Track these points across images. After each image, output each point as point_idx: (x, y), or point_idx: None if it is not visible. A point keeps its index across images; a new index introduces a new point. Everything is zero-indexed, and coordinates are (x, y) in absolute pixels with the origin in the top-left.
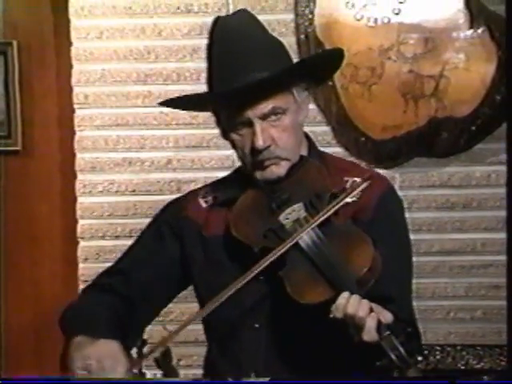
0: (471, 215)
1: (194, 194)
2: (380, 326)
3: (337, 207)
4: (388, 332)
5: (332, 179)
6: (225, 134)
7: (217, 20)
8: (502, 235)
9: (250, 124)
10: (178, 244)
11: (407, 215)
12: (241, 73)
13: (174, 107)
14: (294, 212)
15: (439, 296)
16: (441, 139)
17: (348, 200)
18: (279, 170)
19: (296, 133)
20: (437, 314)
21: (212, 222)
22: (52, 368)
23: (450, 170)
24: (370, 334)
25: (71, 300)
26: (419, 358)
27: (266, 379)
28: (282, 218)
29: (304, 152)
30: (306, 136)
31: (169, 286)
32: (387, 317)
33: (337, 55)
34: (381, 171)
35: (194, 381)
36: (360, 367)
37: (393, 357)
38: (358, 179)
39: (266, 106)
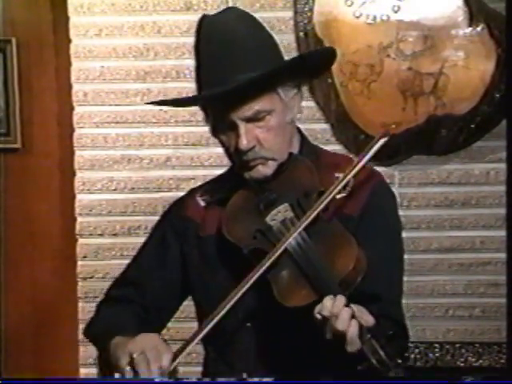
0: (470, 213)
1: (193, 193)
2: (362, 330)
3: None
4: (369, 336)
5: (322, 176)
6: (213, 132)
7: (203, 18)
8: (501, 233)
9: (234, 125)
10: (179, 246)
11: (406, 213)
12: (226, 74)
13: (164, 105)
14: (280, 213)
15: (438, 293)
16: (440, 137)
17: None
18: (266, 169)
19: (283, 132)
20: (436, 311)
21: (208, 221)
22: (51, 367)
23: (449, 167)
24: (352, 344)
25: (70, 298)
26: (399, 361)
27: (270, 379)
28: (268, 218)
29: (296, 148)
30: (299, 131)
31: (178, 290)
32: (369, 320)
33: (326, 54)
34: (380, 169)
35: (195, 381)
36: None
37: (373, 361)
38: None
39: (249, 109)
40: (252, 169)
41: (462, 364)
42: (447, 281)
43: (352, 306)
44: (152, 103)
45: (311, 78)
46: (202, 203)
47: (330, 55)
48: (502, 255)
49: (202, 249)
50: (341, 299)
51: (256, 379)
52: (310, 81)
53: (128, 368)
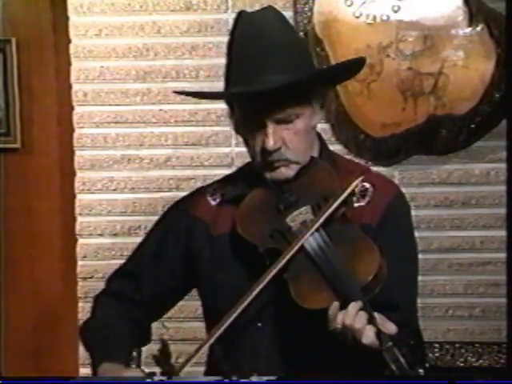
0: (470, 213)
1: (201, 192)
2: (382, 336)
3: (335, 204)
4: (390, 343)
5: (341, 182)
6: (237, 129)
7: (240, 15)
8: (501, 233)
9: (263, 125)
10: (186, 244)
11: None
12: (259, 74)
13: (190, 96)
14: (301, 215)
15: (438, 293)
16: (440, 137)
17: (344, 197)
18: (288, 171)
19: (308, 136)
20: (436, 311)
21: (220, 220)
22: (51, 367)
23: (449, 167)
24: (367, 338)
25: (70, 298)
26: (420, 371)
27: (265, 379)
28: (289, 219)
29: (315, 152)
30: (319, 136)
31: (178, 287)
32: (391, 328)
33: (359, 64)
34: (380, 169)
35: (195, 381)
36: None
37: (394, 368)
38: (367, 184)
39: (281, 112)
40: (275, 170)
41: (461, 364)
42: (447, 281)
43: (374, 313)
44: (178, 92)
45: (338, 84)
46: (213, 202)
47: (360, 64)
48: (502, 255)
49: (215, 248)
50: (354, 308)
51: (252, 380)
52: (335, 86)
53: None
